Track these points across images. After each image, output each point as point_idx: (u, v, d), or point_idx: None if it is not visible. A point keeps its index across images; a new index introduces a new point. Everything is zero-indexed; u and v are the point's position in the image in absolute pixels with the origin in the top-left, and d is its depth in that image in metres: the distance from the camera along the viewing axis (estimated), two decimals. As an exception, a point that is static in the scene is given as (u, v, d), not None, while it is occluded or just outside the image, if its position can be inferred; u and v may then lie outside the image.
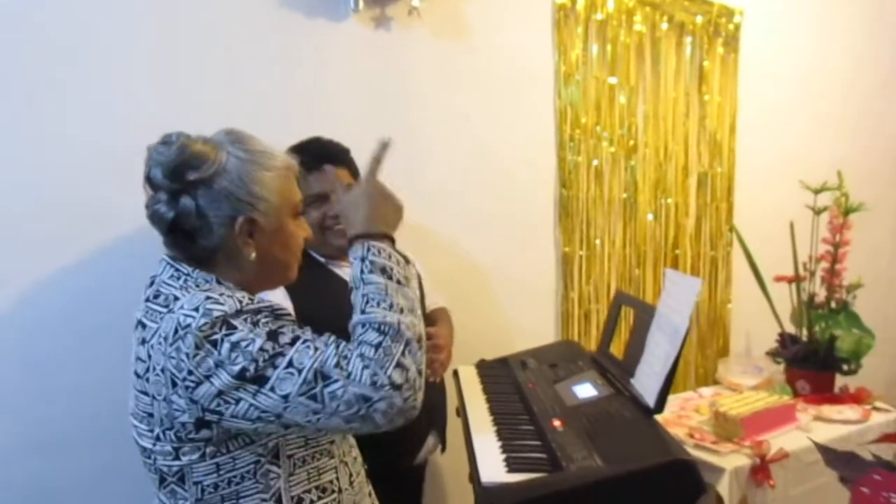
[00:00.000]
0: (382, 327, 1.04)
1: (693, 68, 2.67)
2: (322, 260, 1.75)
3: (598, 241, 2.52)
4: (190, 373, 1.00)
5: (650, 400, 1.50)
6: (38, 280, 1.74)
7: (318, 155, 1.68)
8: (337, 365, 1.00)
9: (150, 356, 1.05)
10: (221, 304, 1.02)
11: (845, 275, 2.51)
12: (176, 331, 1.01)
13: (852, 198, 2.46)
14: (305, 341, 1.02)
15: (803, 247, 2.52)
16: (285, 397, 0.98)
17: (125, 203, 1.77)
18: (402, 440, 1.74)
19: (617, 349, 2.12)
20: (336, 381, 0.98)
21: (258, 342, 0.99)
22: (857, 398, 2.37)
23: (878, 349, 2.51)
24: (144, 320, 1.08)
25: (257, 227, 1.12)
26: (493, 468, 1.35)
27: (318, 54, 2.02)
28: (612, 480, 1.24)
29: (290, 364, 0.99)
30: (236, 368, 0.98)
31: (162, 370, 1.02)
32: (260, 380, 0.99)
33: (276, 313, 1.06)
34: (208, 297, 1.02)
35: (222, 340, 0.99)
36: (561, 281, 2.47)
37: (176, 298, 1.06)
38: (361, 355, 1.01)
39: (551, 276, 2.47)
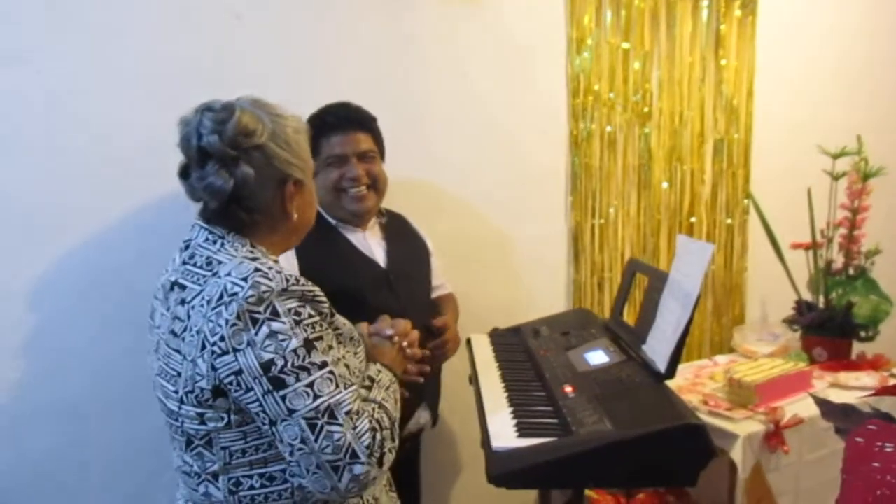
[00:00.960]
0: (395, 422, 1.14)
1: (709, 32, 2.61)
2: (333, 222, 1.76)
3: (611, 210, 2.50)
4: (221, 339, 1.02)
5: (661, 365, 1.49)
6: (53, 257, 1.76)
7: (344, 118, 1.72)
8: (349, 413, 1.03)
9: (189, 316, 1.07)
10: (270, 279, 1.04)
11: (864, 241, 2.48)
12: (221, 296, 1.03)
13: (871, 162, 2.42)
14: (331, 372, 1.05)
15: (821, 213, 2.48)
16: (290, 412, 1.02)
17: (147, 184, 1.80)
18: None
19: (630, 317, 2.12)
20: (341, 426, 1.02)
21: (294, 343, 1.02)
22: (875, 365, 2.35)
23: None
24: (183, 282, 1.11)
25: (300, 188, 1.19)
26: (504, 434, 1.36)
27: (323, 18, 2.00)
28: (622, 444, 1.24)
29: (311, 385, 1.02)
30: (265, 357, 1.01)
31: (198, 332, 1.05)
32: (278, 383, 1.02)
33: (316, 299, 1.10)
34: (257, 270, 1.05)
35: (263, 323, 1.02)
36: (573, 250, 2.46)
37: (220, 262, 1.09)
38: (377, 420, 1.08)
39: (564, 245, 2.46)
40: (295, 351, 1.02)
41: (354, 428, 1.03)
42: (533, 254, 2.41)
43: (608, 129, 2.46)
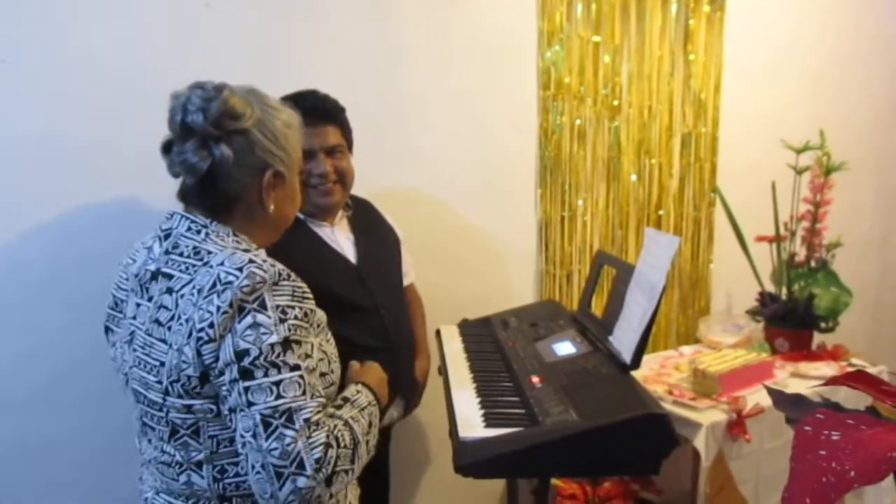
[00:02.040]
0: (360, 445, 1.10)
1: (678, 27, 2.64)
2: (301, 216, 1.71)
3: (580, 202, 2.53)
4: (210, 325, 1.02)
5: (627, 356, 1.52)
6: (19, 244, 1.73)
7: (313, 110, 1.64)
8: (307, 422, 1.02)
9: (177, 305, 1.07)
10: (264, 270, 1.05)
11: (825, 234, 2.54)
12: (214, 284, 1.04)
13: (834, 157, 2.47)
14: (302, 377, 1.04)
15: (784, 206, 2.53)
16: (250, 404, 1.01)
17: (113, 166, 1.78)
18: None
19: (598, 308, 2.15)
20: (295, 431, 1.00)
21: (273, 338, 1.02)
22: (834, 355, 2.42)
23: (856, 307, 2.55)
24: (168, 271, 1.11)
25: (280, 181, 1.18)
26: (471, 424, 1.38)
27: (299, 8, 1.99)
28: (586, 434, 1.26)
29: (277, 384, 1.01)
30: (241, 346, 1.01)
31: (186, 320, 1.05)
32: (246, 373, 1.01)
33: (305, 297, 1.10)
34: (252, 261, 1.05)
35: (249, 312, 1.02)
36: (542, 242, 2.48)
37: (210, 252, 1.10)
38: (335, 437, 1.04)
39: (533, 236, 2.48)
40: (272, 346, 1.02)
41: (309, 437, 1.01)
42: (502, 245, 2.42)
43: (578, 122, 2.47)
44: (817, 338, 2.51)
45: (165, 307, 1.09)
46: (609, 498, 2.14)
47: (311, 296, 1.11)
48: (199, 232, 1.13)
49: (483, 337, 1.97)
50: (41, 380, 1.77)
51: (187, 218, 1.15)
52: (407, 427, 2.26)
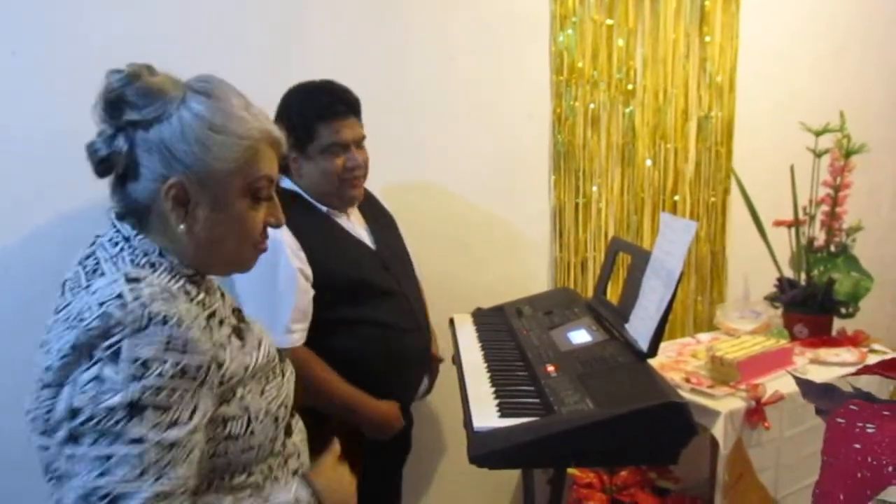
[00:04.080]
0: None
1: (694, 9, 2.59)
2: (324, 209, 1.70)
3: (595, 188, 2.49)
4: (48, 368, 0.86)
5: (643, 344, 1.50)
6: (13, 229, 1.72)
7: (342, 101, 1.65)
8: None
9: (52, 329, 0.91)
10: (128, 310, 0.85)
11: (845, 218, 2.49)
12: (73, 317, 0.87)
13: (854, 139, 2.42)
14: (142, 455, 0.82)
15: (803, 190, 2.49)
16: (69, 476, 0.83)
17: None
18: (404, 380, 1.80)
19: (613, 295, 2.12)
20: None
21: (115, 399, 0.82)
22: (854, 341, 2.38)
23: (877, 292, 2.50)
24: (65, 286, 0.95)
25: (190, 196, 0.94)
26: (486, 413, 1.36)
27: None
28: (603, 423, 1.24)
29: (105, 458, 0.81)
30: (76, 403, 0.83)
31: (47, 351, 0.89)
32: (73, 437, 0.83)
33: (188, 349, 0.87)
34: (120, 296, 0.86)
35: (96, 363, 0.83)
36: (556, 229, 2.45)
37: (101, 273, 0.92)
38: None
39: (546, 223, 2.45)
40: (111, 409, 0.81)
41: None
42: (516, 233, 2.40)
43: (591, 106, 2.44)
44: (837, 323, 2.47)
45: (48, 328, 0.92)
46: (626, 486, 2.12)
47: (204, 347, 0.89)
48: (116, 244, 0.95)
49: (497, 325, 1.95)
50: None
51: (113, 226, 0.97)
52: (420, 415, 2.25)
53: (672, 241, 1.57)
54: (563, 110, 2.39)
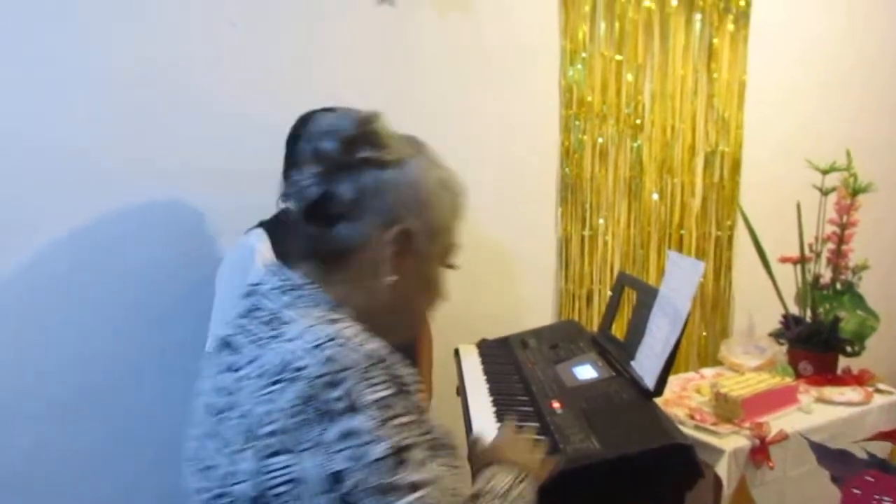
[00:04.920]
0: None
1: (702, 46, 2.63)
2: None
3: (601, 221, 2.51)
4: (275, 433, 0.74)
5: (650, 383, 1.49)
6: (31, 245, 1.74)
7: None
8: None
9: (238, 390, 0.80)
10: (352, 351, 0.77)
11: (851, 256, 2.49)
12: (282, 370, 0.76)
13: (860, 176, 2.43)
14: (423, 497, 0.74)
15: (809, 227, 2.50)
16: None
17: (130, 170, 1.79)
18: None
19: (618, 330, 2.12)
20: None
21: (379, 450, 0.73)
22: (860, 379, 2.37)
23: (883, 330, 2.50)
24: (236, 341, 0.85)
25: (410, 246, 0.89)
26: (491, 449, 1.36)
27: (321, 28, 2.00)
28: (608, 463, 1.24)
29: None
30: (332, 468, 0.72)
31: (243, 415, 0.77)
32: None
33: (410, 384, 0.81)
34: (333, 339, 0.77)
35: (338, 416, 0.73)
36: (562, 261, 2.46)
37: (286, 322, 0.82)
38: None
39: (552, 255, 2.46)
40: (380, 462, 0.73)
41: None
42: (522, 264, 2.41)
43: (600, 140, 2.46)
44: (842, 361, 2.46)
45: (226, 391, 0.82)
46: (628, 523, 2.10)
47: (415, 380, 0.84)
48: (285, 292, 0.86)
49: (502, 358, 1.95)
50: (64, 392, 1.78)
51: (278, 273, 0.88)
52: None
53: (679, 280, 1.57)
54: (571, 143, 2.41)
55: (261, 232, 1.61)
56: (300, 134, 1.64)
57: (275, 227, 1.63)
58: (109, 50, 1.75)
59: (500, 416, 1.53)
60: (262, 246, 1.57)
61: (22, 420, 1.75)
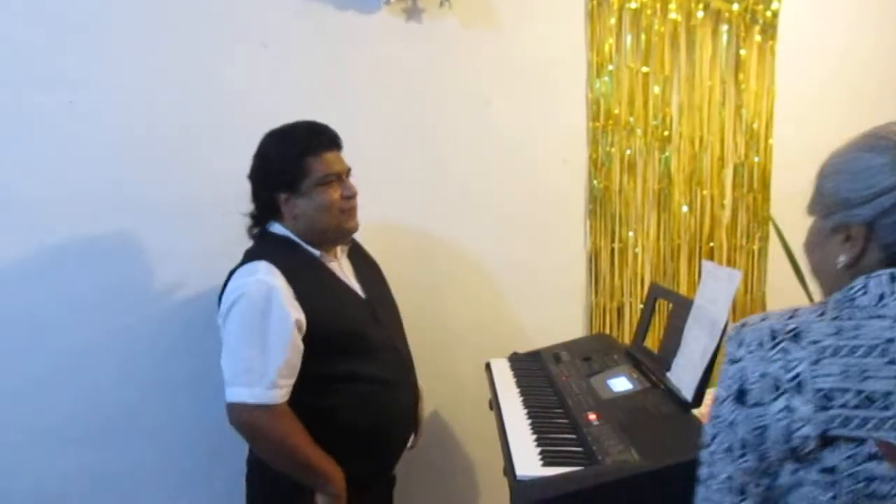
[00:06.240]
0: None
1: (729, 57, 2.61)
2: (317, 254, 1.65)
3: (630, 234, 2.49)
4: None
5: (688, 394, 1.47)
6: (70, 271, 1.77)
7: (330, 136, 1.65)
8: None
9: None
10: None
11: (887, 267, 2.44)
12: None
13: (895, 187, 2.38)
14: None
15: (843, 238, 2.45)
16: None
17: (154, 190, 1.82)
18: (392, 440, 1.71)
19: (651, 343, 2.10)
20: None
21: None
22: None
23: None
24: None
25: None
26: (528, 462, 1.35)
27: (347, 44, 2.02)
28: (650, 475, 1.22)
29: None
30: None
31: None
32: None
33: None
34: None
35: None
36: (592, 274, 2.44)
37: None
38: None
39: (582, 269, 2.44)
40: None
41: None
42: (551, 278, 2.39)
43: (628, 152, 2.45)
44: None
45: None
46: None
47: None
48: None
49: (535, 371, 1.93)
50: (66, 415, 1.79)
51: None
52: (455, 463, 2.23)
53: (715, 290, 1.55)
54: (599, 156, 2.40)
55: (268, 265, 1.53)
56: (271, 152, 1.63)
57: (276, 255, 1.56)
58: (144, 70, 1.79)
59: (535, 428, 1.51)
60: (278, 281, 1.50)
61: (62, 444, 1.77)
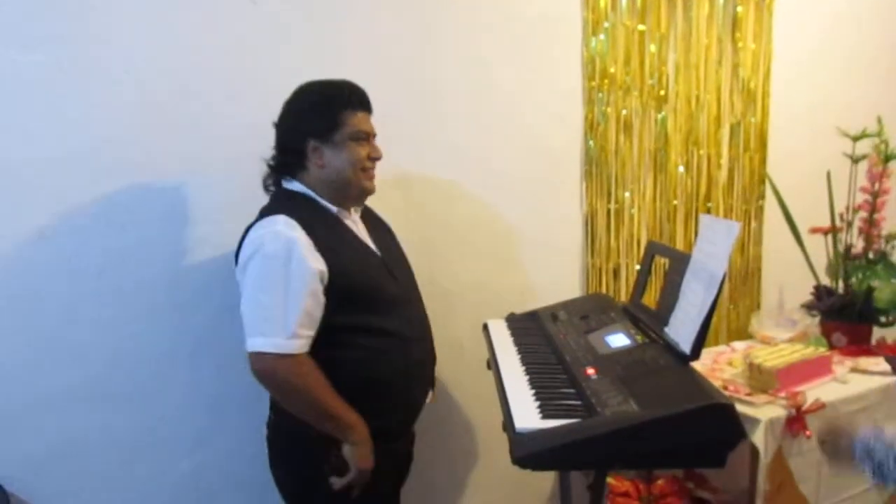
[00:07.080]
0: None
1: (726, 14, 2.57)
2: (334, 210, 1.64)
3: (627, 195, 2.47)
4: None
5: (686, 346, 1.47)
6: (90, 235, 1.75)
7: (362, 96, 1.65)
8: None
9: None
10: None
11: (884, 224, 2.44)
12: None
13: (893, 144, 2.38)
14: None
15: (840, 196, 2.45)
16: None
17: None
18: (412, 393, 1.72)
19: (649, 301, 2.10)
20: None
21: None
22: (895, 350, 2.32)
23: (918, 300, 2.45)
24: None
25: None
26: (527, 415, 1.35)
27: (340, 5, 1.98)
28: (649, 425, 1.22)
29: None
30: None
31: None
32: None
33: None
34: None
35: None
36: (588, 235, 2.43)
37: None
38: None
39: (578, 230, 2.43)
40: None
41: None
42: (547, 239, 2.38)
43: (624, 112, 2.42)
44: (876, 332, 2.42)
45: None
46: (663, 496, 2.08)
47: None
48: None
49: (532, 330, 1.93)
50: (90, 373, 1.79)
51: None
52: (455, 423, 2.24)
53: (713, 243, 1.54)
54: (594, 116, 2.38)
55: (287, 218, 1.52)
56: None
57: (294, 210, 1.55)
58: (136, 39, 1.75)
59: (534, 384, 1.51)
60: (298, 233, 1.50)
61: (87, 401, 1.76)
